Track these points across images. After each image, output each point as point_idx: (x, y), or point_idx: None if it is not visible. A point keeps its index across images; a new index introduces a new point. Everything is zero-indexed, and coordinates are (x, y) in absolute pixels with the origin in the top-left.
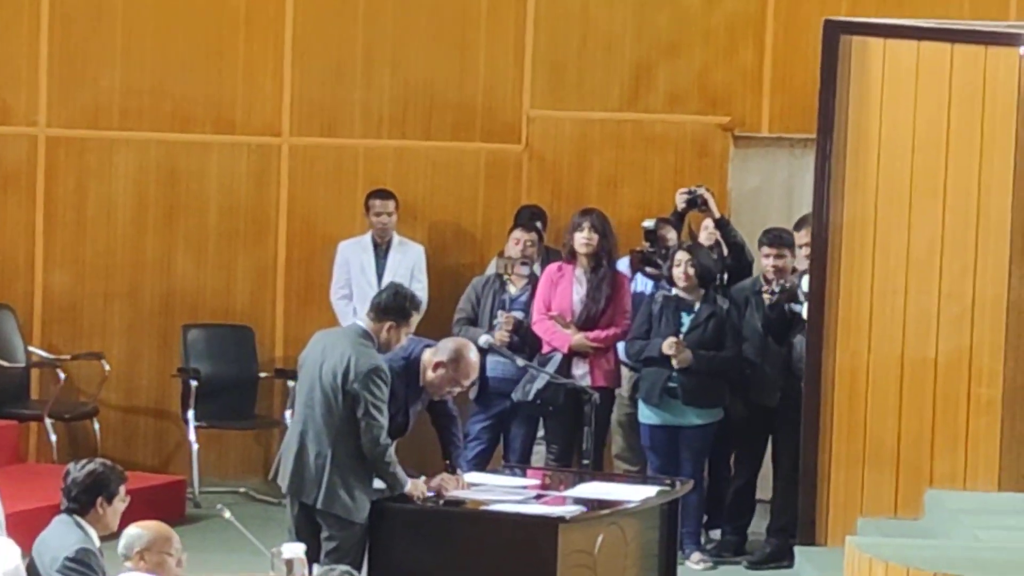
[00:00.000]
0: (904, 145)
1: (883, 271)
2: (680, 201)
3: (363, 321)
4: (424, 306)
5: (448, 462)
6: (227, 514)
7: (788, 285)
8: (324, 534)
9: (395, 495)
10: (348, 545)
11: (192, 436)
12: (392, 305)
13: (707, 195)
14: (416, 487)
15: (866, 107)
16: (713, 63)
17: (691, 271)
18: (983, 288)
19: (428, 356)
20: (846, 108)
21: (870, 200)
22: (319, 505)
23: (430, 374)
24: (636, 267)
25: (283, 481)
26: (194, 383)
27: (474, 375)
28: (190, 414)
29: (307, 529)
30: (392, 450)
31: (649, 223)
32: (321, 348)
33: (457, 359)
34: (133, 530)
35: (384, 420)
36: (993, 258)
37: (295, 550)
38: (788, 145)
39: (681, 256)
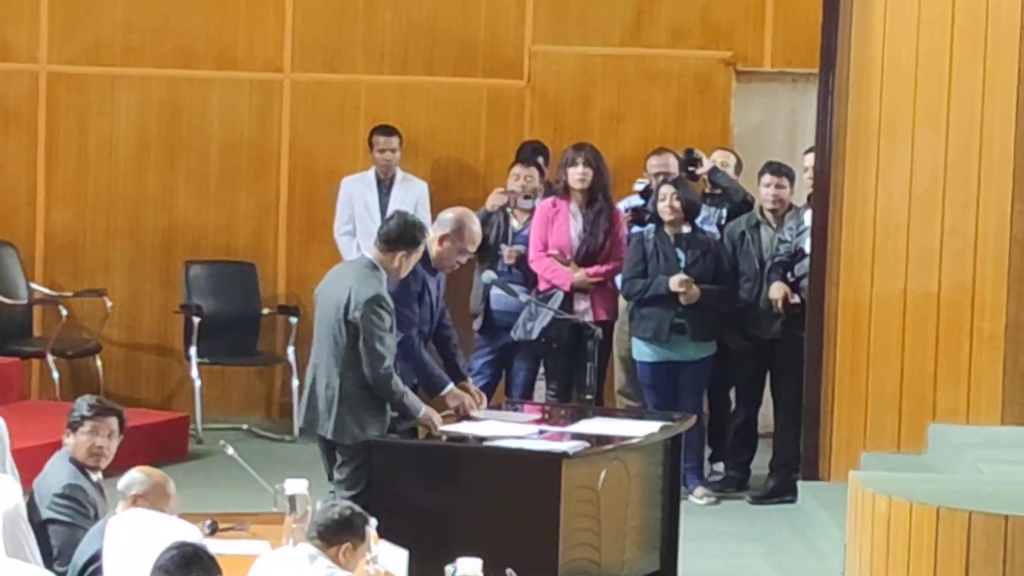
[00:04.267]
0: (906, 79)
1: (885, 206)
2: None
3: (371, 252)
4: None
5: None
6: (230, 450)
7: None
8: (337, 463)
9: (410, 422)
10: (359, 475)
11: (195, 373)
12: (403, 234)
13: (700, 154)
14: (431, 415)
15: (868, 41)
16: None
17: (676, 204)
18: (986, 222)
19: (430, 235)
20: (848, 42)
21: (872, 134)
22: (329, 435)
23: (436, 248)
24: (630, 222)
25: (300, 415)
26: (196, 320)
27: (479, 240)
28: (192, 351)
29: (330, 462)
30: (398, 378)
31: (639, 185)
32: (331, 282)
33: (460, 228)
34: (137, 473)
35: (386, 349)
36: (996, 192)
37: (298, 486)
38: (791, 80)
39: (666, 190)
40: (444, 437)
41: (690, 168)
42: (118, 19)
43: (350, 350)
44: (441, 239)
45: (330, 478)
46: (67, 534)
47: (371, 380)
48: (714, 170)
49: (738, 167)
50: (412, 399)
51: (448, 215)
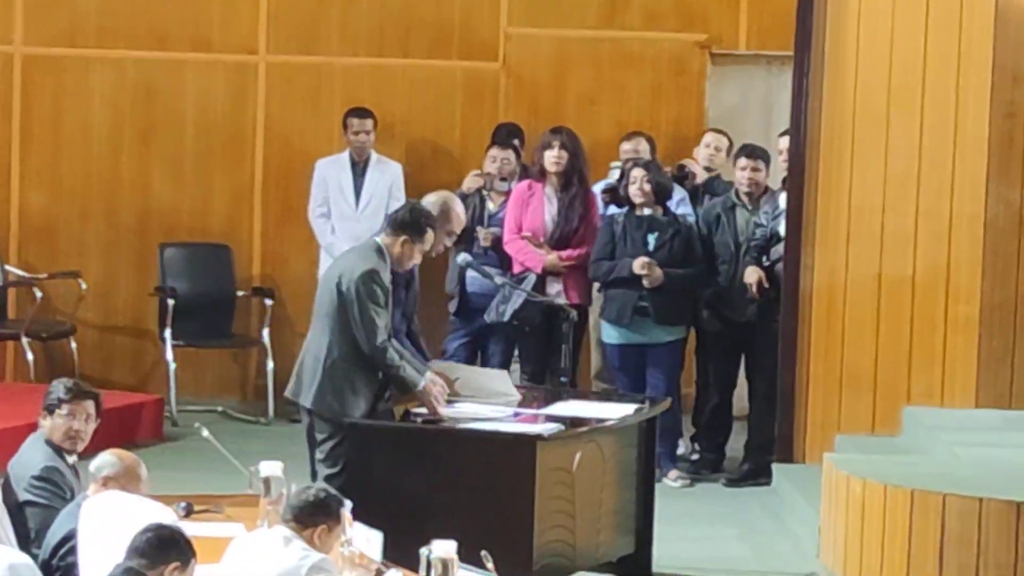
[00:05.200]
0: (882, 61)
1: (860, 189)
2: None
3: (378, 236)
4: None
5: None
6: (205, 432)
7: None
8: (318, 438)
9: (407, 397)
10: (339, 451)
11: (169, 355)
12: (409, 221)
13: (692, 168)
14: (431, 389)
15: (844, 23)
16: None
17: (647, 187)
18: (960, 205)
19: None
20: (823, 24)
21: (847, 117)
22: (309, 405)
23: None
24: (607, 203)
25: (289, 385)
26: (171, 302)
27: (464, 221)
28: (167, 333)
29: (312, 444)
30: (394, 352)
31: (615, 172)
32: (336, 262)
33: (446, 211)
34: (108, 456)
35: (380, 321)
36: (970, 175)
37: (273, 468)
38: (765, 63)
39: (637, 173)
40: (420, 420)
41: (685, 183)
42: (92, 1)
43: (338, 321)
44: None
45: (312, 461)
46: (44, 516)
47: (368, 353)
48: (711, 179)
49: (730, 150)
50: (410, 372)
51: (432, 198)
